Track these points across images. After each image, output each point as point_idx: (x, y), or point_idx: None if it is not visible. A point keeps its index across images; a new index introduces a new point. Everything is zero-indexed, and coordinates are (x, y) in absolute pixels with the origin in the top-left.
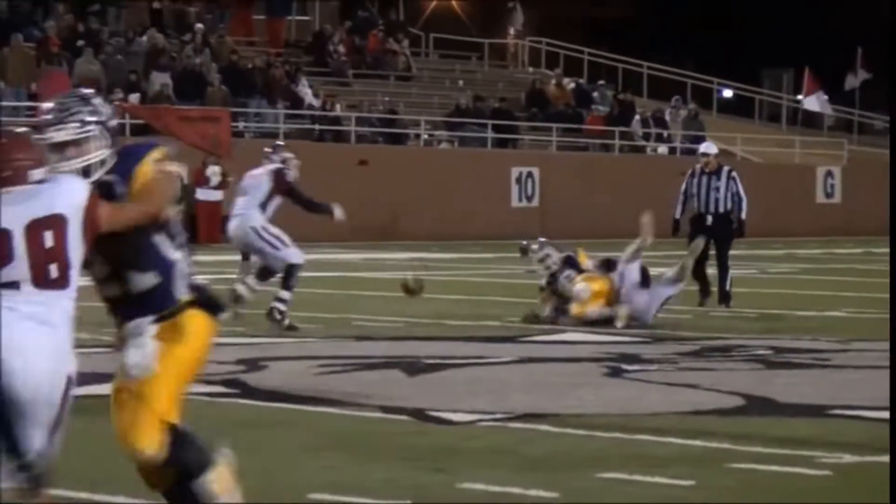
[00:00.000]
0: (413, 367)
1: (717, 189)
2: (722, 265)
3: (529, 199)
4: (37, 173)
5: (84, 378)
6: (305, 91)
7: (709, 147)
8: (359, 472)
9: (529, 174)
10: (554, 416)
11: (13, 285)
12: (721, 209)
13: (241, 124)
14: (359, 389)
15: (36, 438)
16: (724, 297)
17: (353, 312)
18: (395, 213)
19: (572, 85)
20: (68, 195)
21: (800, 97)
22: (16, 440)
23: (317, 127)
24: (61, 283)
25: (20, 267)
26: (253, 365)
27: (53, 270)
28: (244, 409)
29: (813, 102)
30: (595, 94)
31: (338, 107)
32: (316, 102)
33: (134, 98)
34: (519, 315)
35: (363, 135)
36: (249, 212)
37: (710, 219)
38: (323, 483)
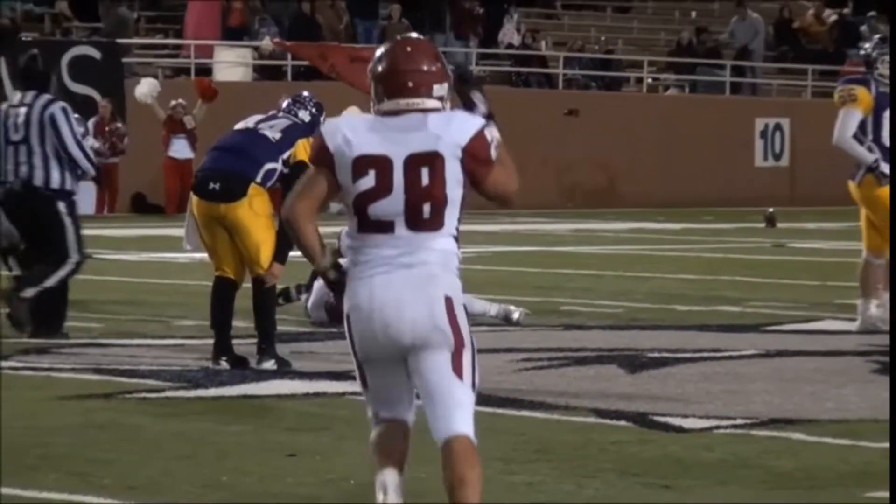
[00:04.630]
0: (634, 362)
1: None
2: None
3: (777, 156)
4: (438, 88)
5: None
6: (504, 25)
7: None
8: (569, 489)
9: (777, 126)
10: (809, 421)
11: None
12: None
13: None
14: (568, 389)
15: (442, 365)
16: None
17: (561, 295)
18: (611, 174)
19: (834, 17)
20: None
21: None
22: None
23: (517, 69)
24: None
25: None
26: None
27: (427, 210)
28: None
29: None
30: (863, 28)
31: (543, 44)
32: (516, 39)
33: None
34: (763, 298)
35: (573, 78)
36: None
37: None
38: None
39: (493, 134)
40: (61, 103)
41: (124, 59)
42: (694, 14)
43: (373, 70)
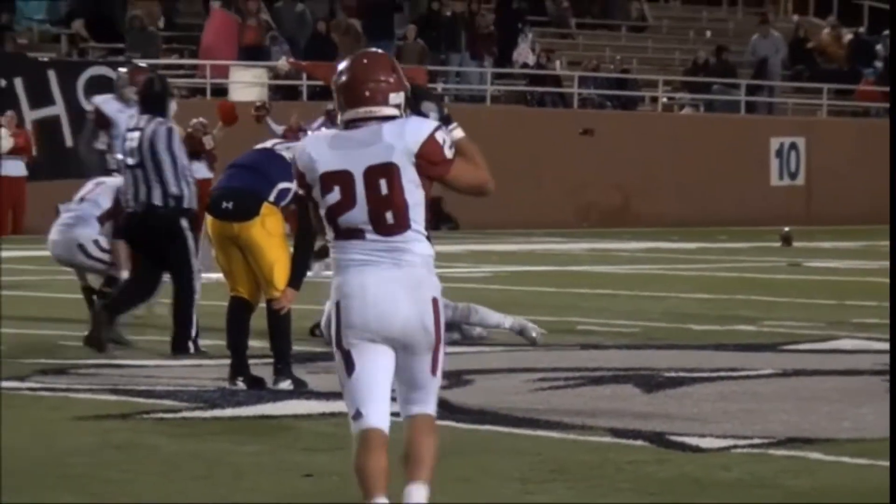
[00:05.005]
0: (650, 382)
1: None
2: None
3: (793, 175)
4: (395, 97)
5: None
6: (519, 45)
7: None
8: None
9: (793, 145)
10: (826, 441)
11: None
12: None
13: (439, 85)
14: (584, 408)
15: (421, 364)
16: None
17: (577, 315)
18: (626, 194)
19: (850, 36)
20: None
21: None
22: None
23: (532, 88)
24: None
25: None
26: (456, 379)
27: (389, 217)
28: (445, 432)
29: None
30: (878, 48)
31: (557, 64)
32: (531, 59)
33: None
34: (779, 318)
35: (588, 98)
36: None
37: None
38: None
39: (447, 135)
40: (168, 124)
41: None
42: (709, 34)
43: (335, 82)
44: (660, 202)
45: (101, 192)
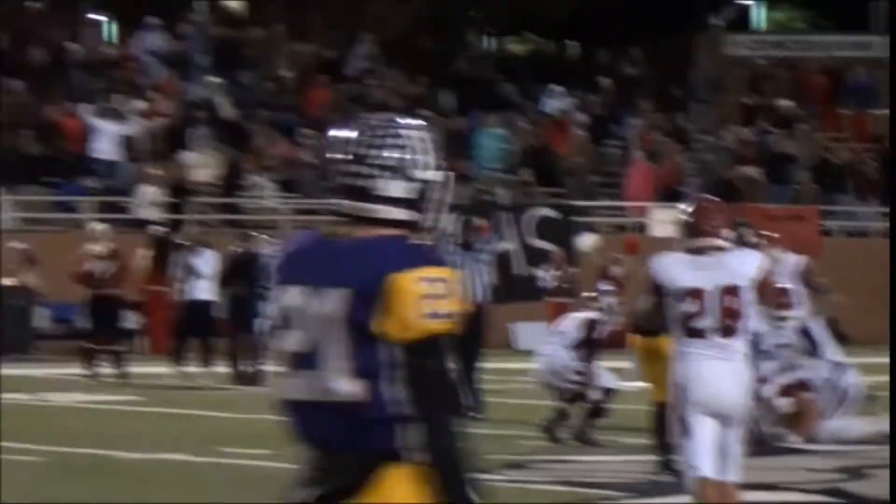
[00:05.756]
0: None
1: None
2: None
3: None
4: (725, 233)
5: None
6: None
7: None
8: None
9: None
10: None
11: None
12: None
13: (830, 223)
14: None
15: (735, 435)
16: None
17: None
18: None
19: None
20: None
21: None
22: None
23: None
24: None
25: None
26: (855, 473)
27: (730, 324)
28: None
29: None
30: None
31: None
32: None
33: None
34: None
35: None
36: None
37: None
38: None
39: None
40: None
41: (575, 218)
42: None
43: (685, 221)
44: None
45: (570, 325)
